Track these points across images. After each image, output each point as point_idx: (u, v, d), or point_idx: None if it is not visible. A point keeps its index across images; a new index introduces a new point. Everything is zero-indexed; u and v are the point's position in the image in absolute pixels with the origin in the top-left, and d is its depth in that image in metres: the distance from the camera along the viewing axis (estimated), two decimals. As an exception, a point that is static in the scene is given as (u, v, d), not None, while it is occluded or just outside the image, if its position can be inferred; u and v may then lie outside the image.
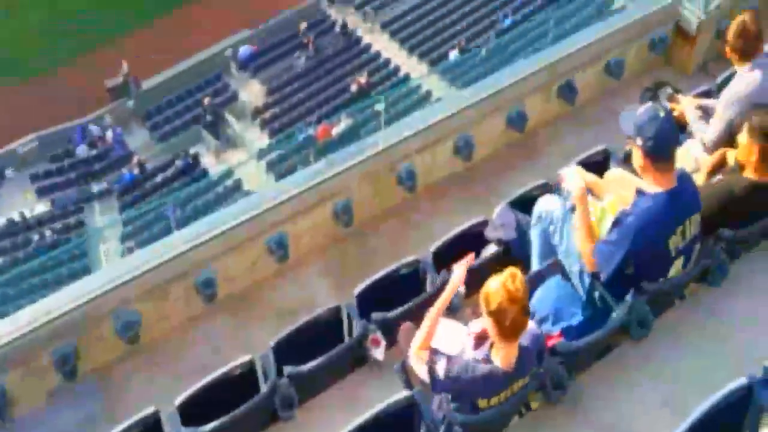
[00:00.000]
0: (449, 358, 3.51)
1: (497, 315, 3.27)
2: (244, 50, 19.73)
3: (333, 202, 5.89)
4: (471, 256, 3.98)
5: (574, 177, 4.03)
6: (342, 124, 16.75)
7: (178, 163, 17.05)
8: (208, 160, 17.58)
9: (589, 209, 3.99)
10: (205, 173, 16.84)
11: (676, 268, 3.87)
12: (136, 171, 16.96)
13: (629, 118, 3.76)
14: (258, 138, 18.06)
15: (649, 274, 3.86)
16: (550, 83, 6.73)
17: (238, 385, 4.60)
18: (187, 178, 16.52)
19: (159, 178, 16.66)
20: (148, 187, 16.46)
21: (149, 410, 4.48)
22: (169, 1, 22.11)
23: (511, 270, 3.33)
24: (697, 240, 3.89)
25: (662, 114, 3.66)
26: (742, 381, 3.14)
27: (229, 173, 16.43)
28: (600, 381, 3.98)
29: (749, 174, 4.08)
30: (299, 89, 18.97)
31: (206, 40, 19.88)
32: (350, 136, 15.69)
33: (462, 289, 4.62)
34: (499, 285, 3.27)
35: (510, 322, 3.27)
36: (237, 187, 15.34)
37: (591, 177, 4.30)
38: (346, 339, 4.86)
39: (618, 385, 3.97)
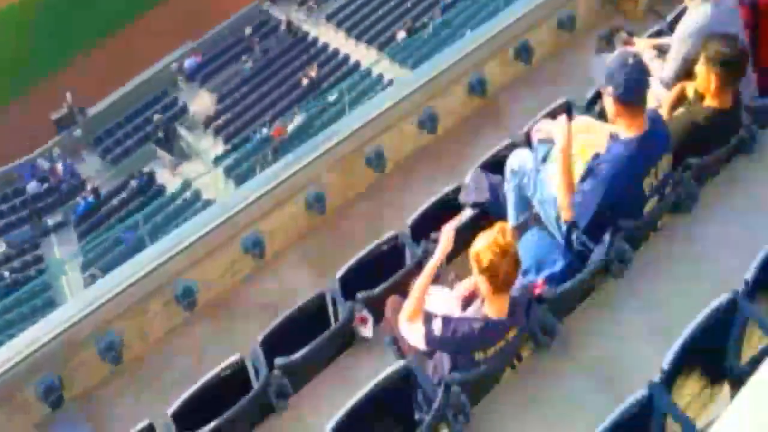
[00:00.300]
0: (444, 318, 3.66)
1: (490, 271, 3.41)
2: (189, 62, 19.84)
3: (305, 193, 6.01)
4: (457, 219, 4.10)
5: (562, 128, 4.15)
6: (297, 119, 16.89)
7: (133, 183, 17.08)
8: (164, 176, 17.63)
9: (566, 163, 4.10)
10: (162, 189, 16.89)
11: (650, 206, 4.07)
12: (90, 198, 16.92)
13: (600, 66, 3.94)
14: (213, 146, 18.17)
15: (624, 214, 4.04)
16: (506, 46, 6.92)
17: (229, 386, 4.69)
18: (144, 197, 16.57)
19: (115, 201, 16.68)
20: (105, 211, 16.46)
21: (143, 424, 4.57)
22: (107, 24, 22.04)
23: (499, 225, 3.49)
24: (669, 178, 4.09)
25: (631, 61, 3.82)
26: (726, 296, 3.34)
27: (186, 185, 16.48)
28: (587, 321, 4.17)
29: (709, 102, 4.29)
30: (250, 92, 19.08)
31: (149, 57, 19.88)
32: (306, 130, 15.86)
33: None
34: (489, 241, 3.41)
35: (503, 276, 3.43)
36: (196, 197, 15.39)
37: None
38: (333, 323, 5.00)
39: (604, 322, 4.16)
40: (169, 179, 17.49)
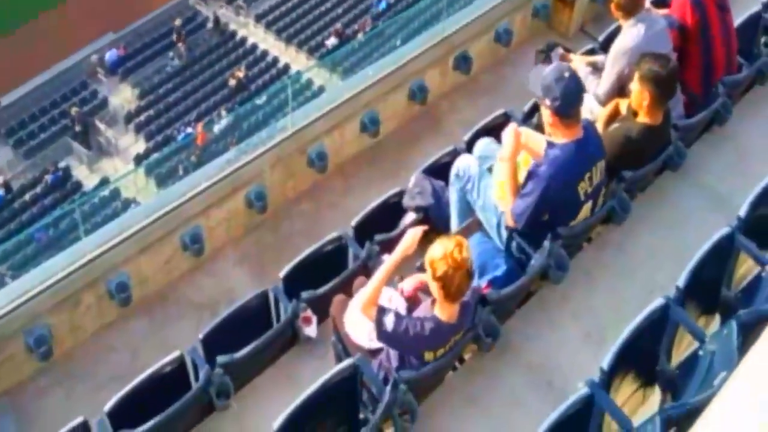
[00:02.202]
0: (397, 314, 3.75)
1: (443, 281, 3.52)
2: (111, 54, 19.26)
3: (246, 190, 6.00)
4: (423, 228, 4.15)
5: (509, 136, 4.33)
6: (223, 120, 16.70)
7: (48, 178, 16.46)
8: (80, 172, 17.07)
9: (513, 171, 4.29)
10: (78, 186, 16.35)
11: (584, 212, 4.29)
12: (1, 192, 16.20)
13: (537, 79, 4.14)
14: (134, 143, 17.70)
15: (561, 219, 4.25)
16: (446, 55, 7.12)
17: (168, 384, 4.63)
18: (59, 193, 16.01)
19: (28, 197, 16.02)
20: (17, 206, 15.80)
21: (77, 421, 4.46)
22: (23, 11, 21.13)
23: (456, 239, 3.58)
24: (602, 185, 4.32)
25: (567, 74, 4.05)
26: (660, 301, 3.57)
27: (104, 182, 16.00)
28: (526, 324, 4.36)
29: (642, 119, 4.55)
30: (174, 89, 18.71)
31: (68, 47, 19.20)
32: (233, 131, 15.70)
33: (386, 257, 4.91)
34: (446, 253, 3.49)
35: (456, 288, 3.54)
36: (115, 196, 14.97)
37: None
38: (275, 323, 5.01)
39: (542, 325, 4.36)
40: (86, 175, 16.96)
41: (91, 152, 17.42)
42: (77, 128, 17.41)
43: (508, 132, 4.35)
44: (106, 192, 15.30)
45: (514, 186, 4.24)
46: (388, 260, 3.99)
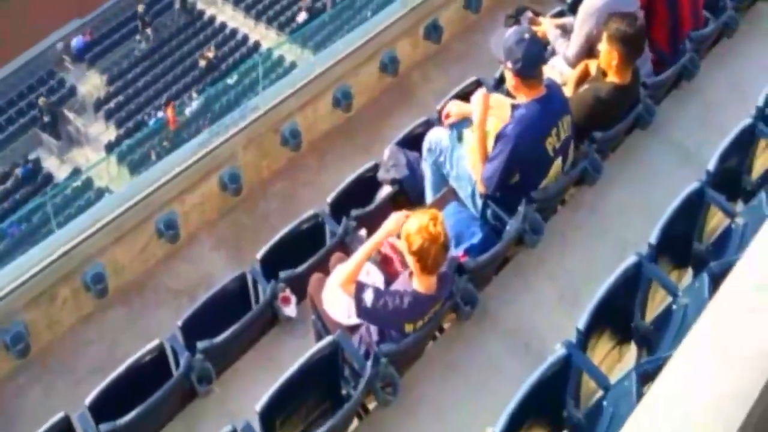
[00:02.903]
0: (375, 289, 3.83)
1: (419, 254, 3.60)
2: (77, 41, 19.04)
3: (219, 173, 6.03)
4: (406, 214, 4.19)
5: (478, 103, 4.42)
6: (195, 102, 16.63)
7: (18, 171, 16.37)
8: (51, 163, 16.97)
9: (482, 137, 4.38)
10: (49, 178, 16.26)
11: (555, 168, 4.38)
12: (-30, 187, 16.10)
13: (498, 42, 4.22)
14: (104, 131, 17.60)
15: (532, 177, 4.35)
16: (416, 25, 7.15)
17: (149, 373, 4.67)
18: (30, 186, 15.92)
19: (-2, 191, 15.95)
20: (-13, 202, 15.71)
21: (58, 416, 4.51)
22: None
23: (432, 213, 3.67)
24: (570, 140, 4.41)
25: (527, 36, 4.14)
26: (632, 258, 3.67)
27: (76, 173, 15.93)
28: (503, 290, 4.47)
29: (612, 78, 4.62)
30: (143, 73, 18.58)
31: (33, 35, 18.94)
32: (205, 113, 15.64)
33: (363, 232, 4.99)
34: (421, 226, 3.58)
35: (432, 260, 3.62)
36: (88, 185, 14.92)
37: (468, 106, 4.77)
38: (254, 305, 5.07)
39: (519, 290, 4.47)
40: (57, 166, 16.86)
41: (60, 142, 17.31)
42: (45, 119, 17.28)
43: (477, 97, 4.41)
44: (78, 182, 15.26)
45: (484, 153, 4.31)
46: (370, 241, 4.06)
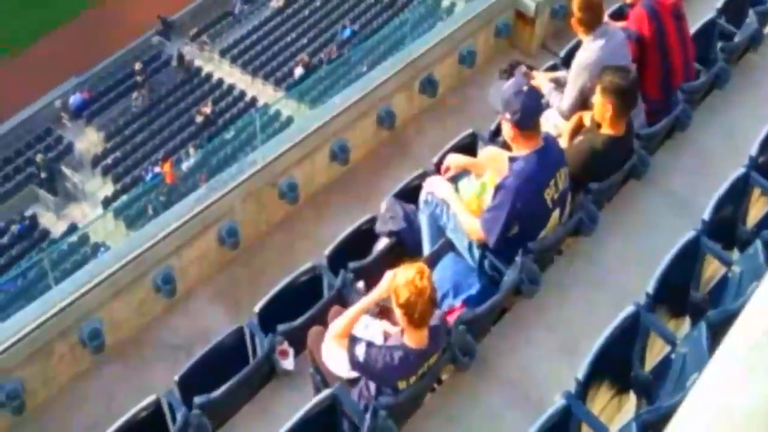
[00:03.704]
0: (368, 343, 3.86)
1: (406, 307, 3.65)
2: (75, 98, 19.40)
3: (217, 227, 6.10)
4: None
5: (436, 184, 4.69)
6: (191, 158, 16.84)
7: (15, 228, 16.46)
8: (47, 219, 17.09)
9: (458, 201, 4.57)
10: (46, 233, 16.35)
11: (553, 220, 4.46)
12: (-33, 245, 16.16)
13: (497, 95, 4.34)
14: (101, 187, 17.76)
15: (531, 229, 4.41)
16: (412, 79, 7.33)
17: (145, 429, 4.69)
18: (27, 242, 16.00)
19: (-5, 247, 16.00)
20: (-15, 258, 15.75)
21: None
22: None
23: (418, 266, 3.72)
24: (567, 191, 4.50)
25: (525, 88, 4.27)
26: (630, 308, 3.72)
27: (73, 228, 16.02)
28: (502, 340, 4.49)
29: (606, 130, 4.73)
30: (140, 129, 18.87)
31: (31, 94, 19.28)
32: (202, 168, 15.82)
33: (360, 284, 5.04)
34: (407, 281, 3.64)
35: (419, 314, 3.66)
36: (84, 241, 14.99)
37: (467, 159, 4.93)
38: (251, 358, 5.09)
39: (518, 340, 4.49)
40: (53, 222, 16.96)
41: (57, 198, 17.45)
42: (43, 175, 17.48)
43: (434, 181, 4.69)
44: (74, 238, 15.34)
45: (465, 215, 4.48)
46: (367, 297, 4.12)
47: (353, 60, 17.71)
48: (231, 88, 19.71)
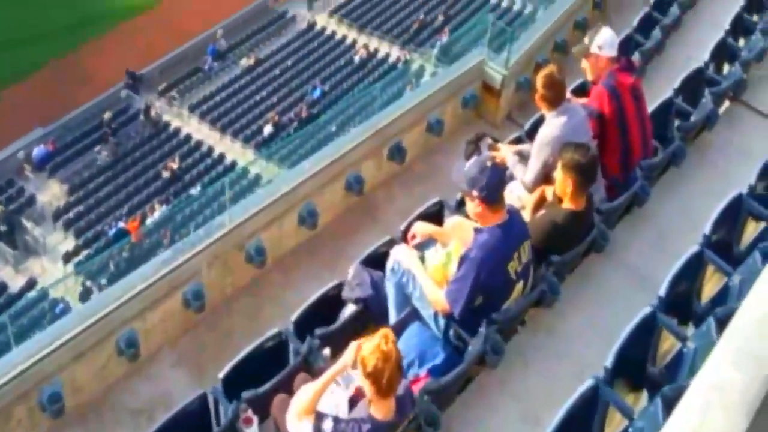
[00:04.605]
0: (335, 418, 3.92)
1: (374, 375, 3.73)
2: (39, 150, 19.32)
3: (183, 290, 6.14)
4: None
5: (402, 253, 4.84)
6: (156, 212, 16.82)
7: (-29, 282, 16.16)
8: (5, 273, 16.83)
9: (423, 271, 4.71)
10: (3, 288, 16.10)
11: (517, 291, 4.62)
12: None
13: (459, 174, 4.52)
14: (62, 241, 17.58)
15: (495, 300, 4.56)
16: (381, 146, 7.54)
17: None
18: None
19: (-51, 302, 15.64)
20: (-63, 314, 15.37)
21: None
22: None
23: (383, 332, 3.82)
24: (530, 264, 4.67)
25: (489, 164, 4.46)
26: (589, 382, 3.85)
27: (32, 283, 15.80)
28: (466, 409, 4.59)
29: (567, 204, 4.93)
30: (104, 183, 18.80)
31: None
32: (168, 223, 15.78)
33: (327, 351, 5.10)
34: (373, 347, 3.73)
35: (386, 380, 3.73)
36: (43, 296, 14.78)
37: (433, 227, 5.09)
38: (215, 426, 5.08)
39: (482, 410, 4.60)
40: (11, 276, 16.71)
41: (17, 252, 17.20)
42: (2, 228, 17.23)
43: (400, 250, 4.83)
44: (33, 293, 15.14)
45: (430, 285, 4.60)
46: (330, 370, 4.19)
47: (322, 120, 18.01)
48: (199, 143, 19.82)
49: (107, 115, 20.04)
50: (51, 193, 18.98)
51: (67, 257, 16.59)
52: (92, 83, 21.33)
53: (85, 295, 14.05)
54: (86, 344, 5.78)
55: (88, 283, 14.43)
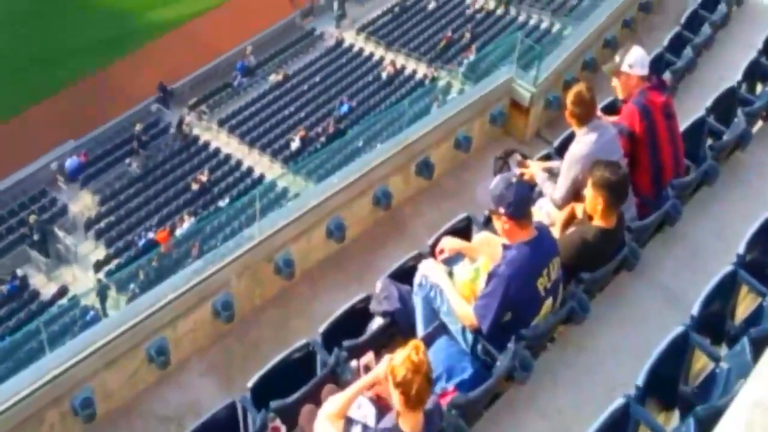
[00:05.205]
0: (364, 427, 3.89)
1: (403, 386, 3.69)
2: (71, 161, 19.62)
3: (212, 300, 6.16)
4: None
5: (430, 268, 4.81)
6: (185, 224, 16.93)
7: (4, 288, 16.38)
8: (38, 281, 17.03)
9: (451, 286, 4.67)
10: (36, 295, 16.27)
11: (546, 308, 4.57)
12: (-44, 303, 16.06)
13: (484, 193, 4.49)
14: (93, 250, 17.76)
15: (523, 316, 4.51)
16: (409, 162, 7.53)
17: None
18: (16, 302, 15.91)
19: (-16, 309, 15.88)
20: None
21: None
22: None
23: (414, 343, 3.80)
24: (560, 280, 4.61)
25: (514, 181, 4.43)
26: (620, 400, 3.79)
27: (63, 291, 15.96)
28: (494, 425, 4.53)
29: (598, 222, 4.88)
30: (135, 194, 19.01)
31: (28, 156, 19.47)
32: (196, 235, 15.88)
33: (354, 363, 5.08)
34: (403, 358, 3.70)
35: (415, 392, 3.69)
36: (75, 304, 14.93)
37: (461, 242, 5.06)
38: (243, 435, 5.08)
39: (509, 426, 4.54)
40: (44, 284, 16.91)
41: (49, 260, 17.43)
42: (35, 236, 17.48)
43: (428, 265, 4.80)
44: (64, 301, 15.32)
45: (457, 300, 4.57)
46: (363, 378, 4.17)
47: (349, 136, 18.09)
48: (228, 157, 19.98)
49: (138, 128, 20.28)
50: (83, 203, 19.23)
51: (98, 266, 16.75)
52: (122, 99, 21.62)
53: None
54: (117, 351, 5.82)
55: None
